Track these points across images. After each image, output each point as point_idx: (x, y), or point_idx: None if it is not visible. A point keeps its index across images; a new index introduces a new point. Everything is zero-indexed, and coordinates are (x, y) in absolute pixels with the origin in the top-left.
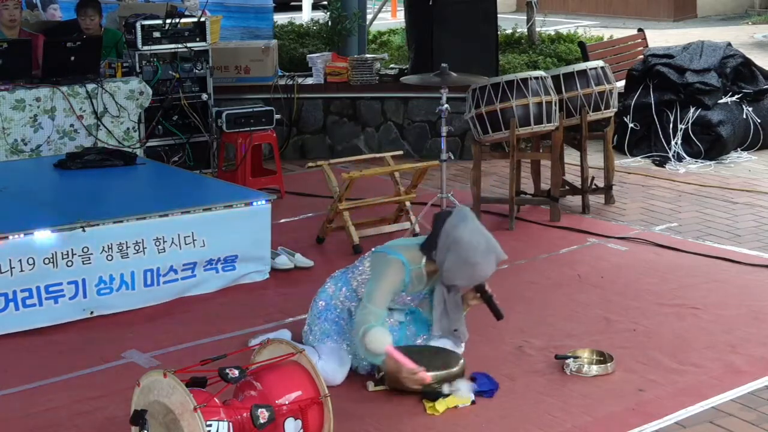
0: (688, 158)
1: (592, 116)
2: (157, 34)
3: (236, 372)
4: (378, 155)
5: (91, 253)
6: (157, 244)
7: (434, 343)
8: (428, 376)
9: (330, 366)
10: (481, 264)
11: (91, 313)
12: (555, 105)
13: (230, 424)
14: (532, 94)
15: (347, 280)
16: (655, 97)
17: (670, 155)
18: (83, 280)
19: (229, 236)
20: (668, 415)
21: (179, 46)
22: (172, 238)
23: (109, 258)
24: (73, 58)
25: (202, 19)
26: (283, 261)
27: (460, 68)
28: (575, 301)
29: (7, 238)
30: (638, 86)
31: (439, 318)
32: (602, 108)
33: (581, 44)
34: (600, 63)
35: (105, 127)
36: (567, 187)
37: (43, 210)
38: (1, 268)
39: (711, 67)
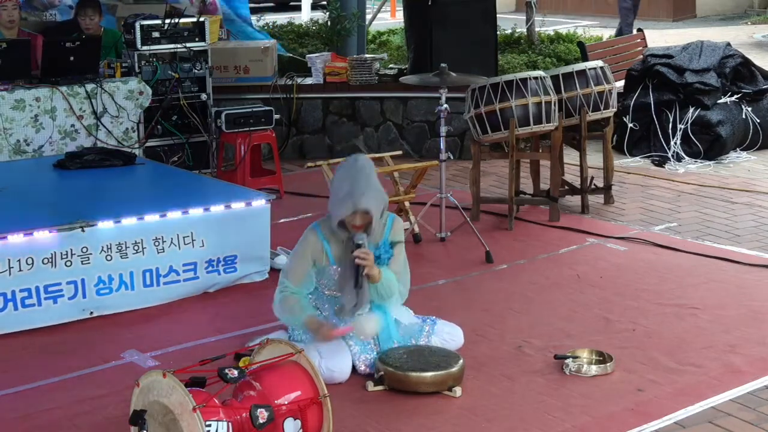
0: (687, 158)
1: (592, 116)
2: (156, 34)
3: (235, 372)
4: (377, 155)
5: (90, 254)
6: (157, 244)
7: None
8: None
9: (336, 363)
10: (336, 206)
11: (91, 313)
12: (554, 105)
13: (229, 424)
14: (531, 94)
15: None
16: (654, 97)
17: (670, 155)
18: (82, 281)
19: (229, 236)
20: (667, 415)
21: (178, 46)
22: (172, 239)
23: (108, 258)
24: (72, 58)
25: (201, 19)
26: (283, 261)
27: (459, 68)
28: (574, 301)
29: (6, 238)
30: (637, 86)
31: (339, 276)
32: (601, 108)
33: (580, 44)
34: (599, 63)
35: (105, 127)
36: (566, 187)
37: (43, 210)
38: None
39: (710, 67)
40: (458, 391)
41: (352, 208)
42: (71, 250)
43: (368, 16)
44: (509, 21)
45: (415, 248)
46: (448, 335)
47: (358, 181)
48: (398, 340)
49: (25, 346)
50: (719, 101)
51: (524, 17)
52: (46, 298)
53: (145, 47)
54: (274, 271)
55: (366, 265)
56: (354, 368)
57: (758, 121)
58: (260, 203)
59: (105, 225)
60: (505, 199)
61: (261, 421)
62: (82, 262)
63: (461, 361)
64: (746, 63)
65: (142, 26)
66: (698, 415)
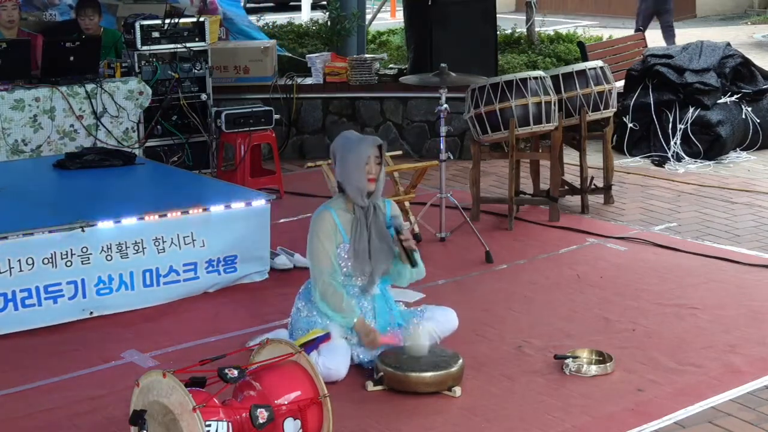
0: (687, 158)
1: (592, 116)
2: (156, 34)
3: (235, 372)
4: None
5: (90, 253)
6: (157, 244)
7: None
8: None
9: (333, 361)
10: (357, 148)
11: (91, 313)
12: (554, 105)
13: (229, 424)
14: (531, 94)
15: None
16: (654, 97)
17: (670, 155)
18: (82, 281)
19: (229, 236)
20: (667, 415)
21: (178, 46)
22: (172, 239)
23: (108, 258)
24: (72, 58)
25: (201, 19)
26: (283, 261)
27: (459, 68)
28: (574, 301)
29: (6, 238)
30: (637, 86)
31: (354, 248)
32: (601, 108)
33: (580, 44)
34: (599, 63)
35: (104, 127)
36: (566, 187)
37: (43, 210)
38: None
39: (710, 67)
40: (458, 391)
41: (374, 142)
42: (71, 250)
43: (368, 16)
44: (509, 21)
45: None
46: (441, 316)
47: (359, 134)
48: (399, 322)
49: (25, 346)
50: (719, 101)
51: (524, 17)
52: (46, 298)
53: (145, 47)
54: (274, 271)
55: (413, 247)
56: (354, 363)
57: (758, 121)
58: (260, 203)
59: (105, 225)
60: (505, 199)
61: (261, 421)
62: (82, 262)
63: (461, 361)
64: (746, 63)
65: (142, 26)
66: (698, 415)
